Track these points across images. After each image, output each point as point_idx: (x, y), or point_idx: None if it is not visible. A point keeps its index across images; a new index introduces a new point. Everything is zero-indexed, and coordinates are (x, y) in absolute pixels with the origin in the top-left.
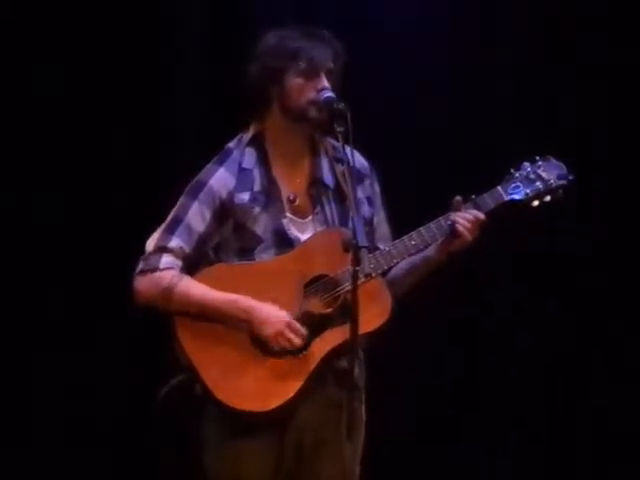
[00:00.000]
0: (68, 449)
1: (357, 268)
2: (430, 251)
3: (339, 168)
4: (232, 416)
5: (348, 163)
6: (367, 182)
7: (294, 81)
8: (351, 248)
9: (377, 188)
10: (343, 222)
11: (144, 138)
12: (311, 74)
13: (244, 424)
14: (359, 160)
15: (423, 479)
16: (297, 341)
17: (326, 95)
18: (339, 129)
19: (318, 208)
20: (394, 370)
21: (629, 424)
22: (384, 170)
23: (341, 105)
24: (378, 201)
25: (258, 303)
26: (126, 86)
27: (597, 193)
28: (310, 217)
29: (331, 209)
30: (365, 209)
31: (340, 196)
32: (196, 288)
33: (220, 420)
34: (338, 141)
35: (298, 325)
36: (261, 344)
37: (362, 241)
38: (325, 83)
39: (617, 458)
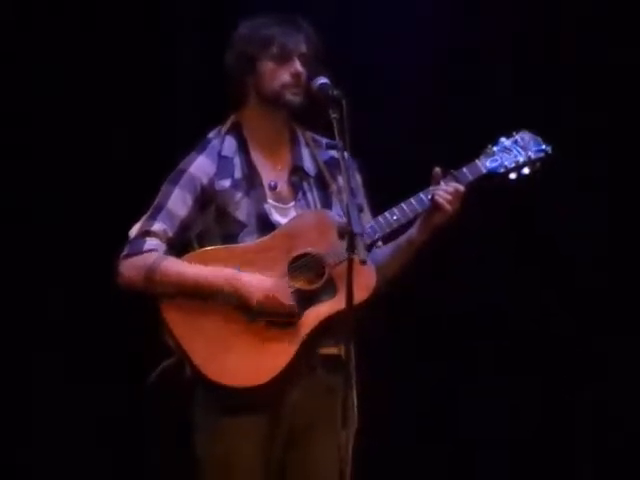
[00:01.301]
0: (68, 449)
1: (352, 255)
2: (413, 231)
3: (322, 157)
4: (222, 399)
5: (342, 149)
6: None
7: (267, 66)
8: (346, 235)
9: (358, 178)
10: (326, 209)
11: (144, 138)
12: (284, 59)
13: (234, 408)
14: None
15: (415, 469)
16: (287, 301)
17: (321, 81)
18: (333, 115)
19: (300, 195)
20: (384, 358)
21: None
22: (384, 169)
23: (336, 92)
24: (360, 191)
25: (240, 272)
26: (126, 86)
27: (597, 192)
28: (292, 204)
29: (313, 196)
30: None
31: (322, 184)
32: (179, 265)
33: (210, 405)
34: (329, 128)
35: (284, 285)
36: (249, 316)
37: (357, 228)
38: (298, 67)
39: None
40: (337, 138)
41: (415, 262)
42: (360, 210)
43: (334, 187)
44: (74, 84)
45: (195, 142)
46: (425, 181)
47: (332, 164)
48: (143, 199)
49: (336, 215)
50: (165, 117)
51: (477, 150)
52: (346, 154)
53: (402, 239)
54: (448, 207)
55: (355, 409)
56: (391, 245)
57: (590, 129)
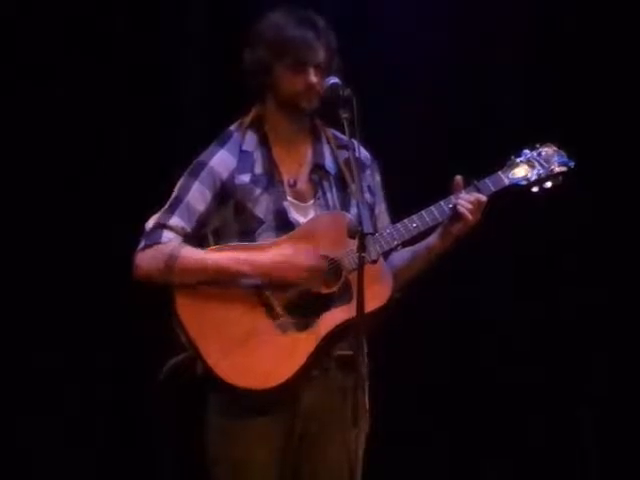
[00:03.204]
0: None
1: (363, 254)
2: (432, 238)
3: (342, 155)
4: (236, 400)
5: (353, 149)
6: (368, 172)
7: (282, 73)
8: (357, 234)
9: (378, 178)
10: (344, 208)
11: (145, 137)
12: (298, 69)
13: (249, 410)
14: (361, 151)
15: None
16: (314, 262)
17: (332, 81)
18: (345, 115)
19: (319, 193)
20: (396, 360)
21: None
22: (387, 166)
23: (347, 91)
24: (379, 192)
25: (259, 254)
26: (126, 84)
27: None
28: (311, 202)
29: (332, 195)
30: (367, 197)
31: (342, 183)
32: (198, 253)
33: (225, 406)
34: (343, 127)
35: (306, 250)
36: (269, 309)
37: (367, 227)
38: (312, 78)
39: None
40: (348, 137)
41: (431, 270)
42: (371, 210)
43: (353, 187)
44: (74, 83)
45: (197, 139)
46: (425, 180)
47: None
48: (142, 198)
49: (354, 217)
50: (166, 115)
51: (476, 149)
52: (368, 154)
53: (421, 246)
54: (470, 217)
55: (367, 412)
56: (409, 251)
57: (591, 131)
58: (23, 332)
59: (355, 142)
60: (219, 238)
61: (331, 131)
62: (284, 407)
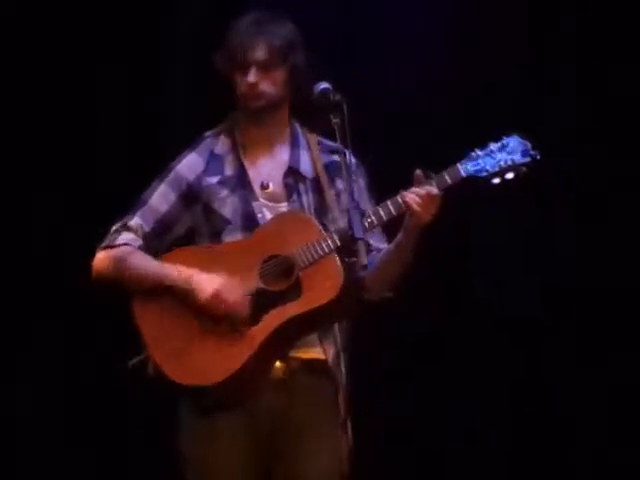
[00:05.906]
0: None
1: (353, 259)
2: (399, 235)
3: (323, 160)
4: (197, 400)
5: (344, 154)
6: (352, 177)
7: (234, 76)
8: (347, 240)
9: (362, 183)
10: (321, 212)
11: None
12: (241, 69)
13: (211, 409)
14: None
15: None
16: (232, 299)
17: (322, 87)
18: (335, 120)
19: (294, 197)
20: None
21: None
22: (382, 170)
23: (337, 96)
24: (365, 195)
25: (197, 271)
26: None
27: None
28: (285, 204)
29: (308, 199)
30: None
31: (318, 187)
32: (148, 260)
33: (190, 405)
34: (335, 133)
35: (233, 285)
36: (210, 316)
37: (358, 233)
38: (251, 77)
39: None
40: (339, 143)
41: (413, 266)
42: (362, 215)
43: (332, 191)
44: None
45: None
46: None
47: (332, 168)
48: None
49: (334, 220)
50: (164, 115)
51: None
52: (352, 160)
53: (392, 244)
54: (419, 210)
55: (342, 415)
56: (383, 253)
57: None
58: (22, 331)
59: (346, 147)
60: (193, 239)
61: (315, 137)
62: (244, 407)
